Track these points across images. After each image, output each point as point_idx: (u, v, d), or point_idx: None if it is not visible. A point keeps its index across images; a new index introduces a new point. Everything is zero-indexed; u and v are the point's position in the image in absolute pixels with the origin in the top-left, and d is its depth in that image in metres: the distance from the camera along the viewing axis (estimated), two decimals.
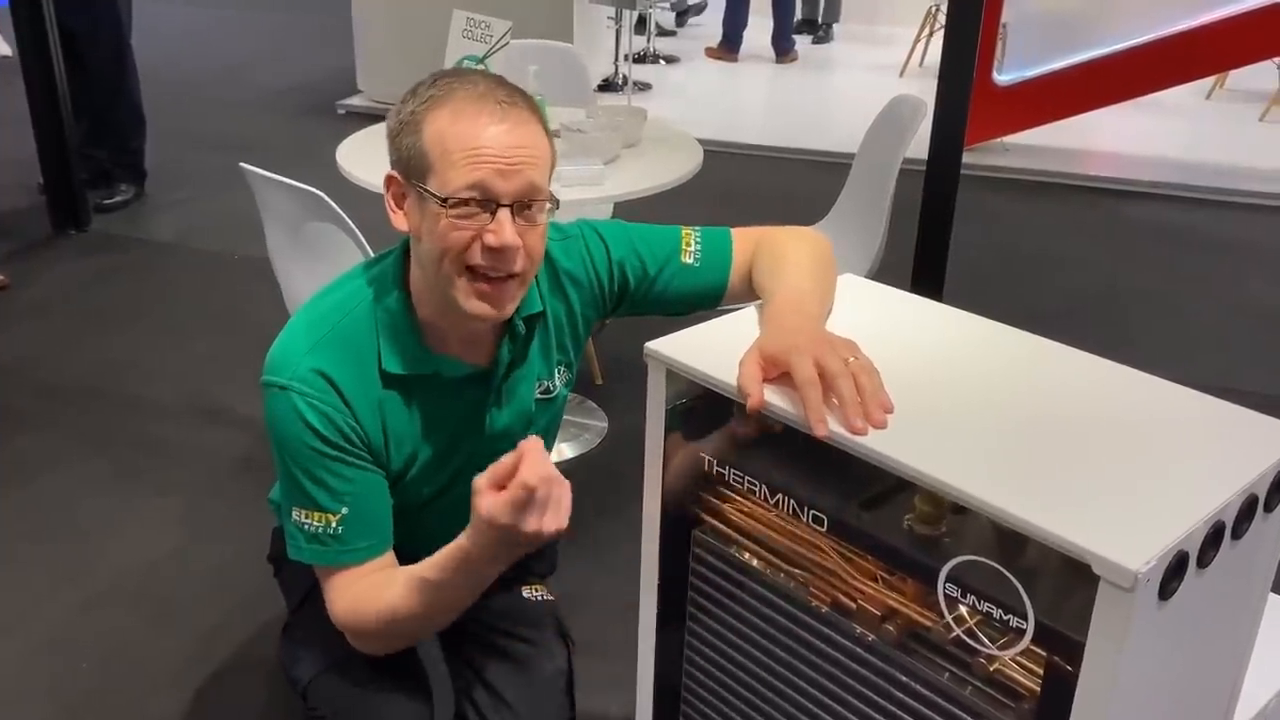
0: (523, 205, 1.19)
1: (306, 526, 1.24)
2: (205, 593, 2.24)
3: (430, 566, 1.19)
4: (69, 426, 2.85)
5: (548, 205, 1.22)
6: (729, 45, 7.32)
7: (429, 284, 1.24)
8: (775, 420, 1.06)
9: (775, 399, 1.06)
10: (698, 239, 1.39)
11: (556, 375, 1.41)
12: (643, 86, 6.41)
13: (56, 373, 3.12)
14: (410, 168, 1.20)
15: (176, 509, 2.52)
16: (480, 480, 1.08)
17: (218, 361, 3.18)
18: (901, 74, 6.93)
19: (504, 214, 1.17)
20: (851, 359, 1.05)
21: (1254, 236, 4.45)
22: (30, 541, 2.40)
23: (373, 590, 1.25)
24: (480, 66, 2.55)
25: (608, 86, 6.23)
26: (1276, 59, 5.85)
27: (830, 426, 1.00)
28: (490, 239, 1.17)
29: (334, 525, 1.24)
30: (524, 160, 1.18)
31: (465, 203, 1.17)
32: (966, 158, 3.18)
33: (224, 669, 2.04)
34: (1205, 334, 3.55)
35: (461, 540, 1.14)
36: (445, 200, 1.17)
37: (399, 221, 1.25)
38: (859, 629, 1.09)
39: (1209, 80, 6.22)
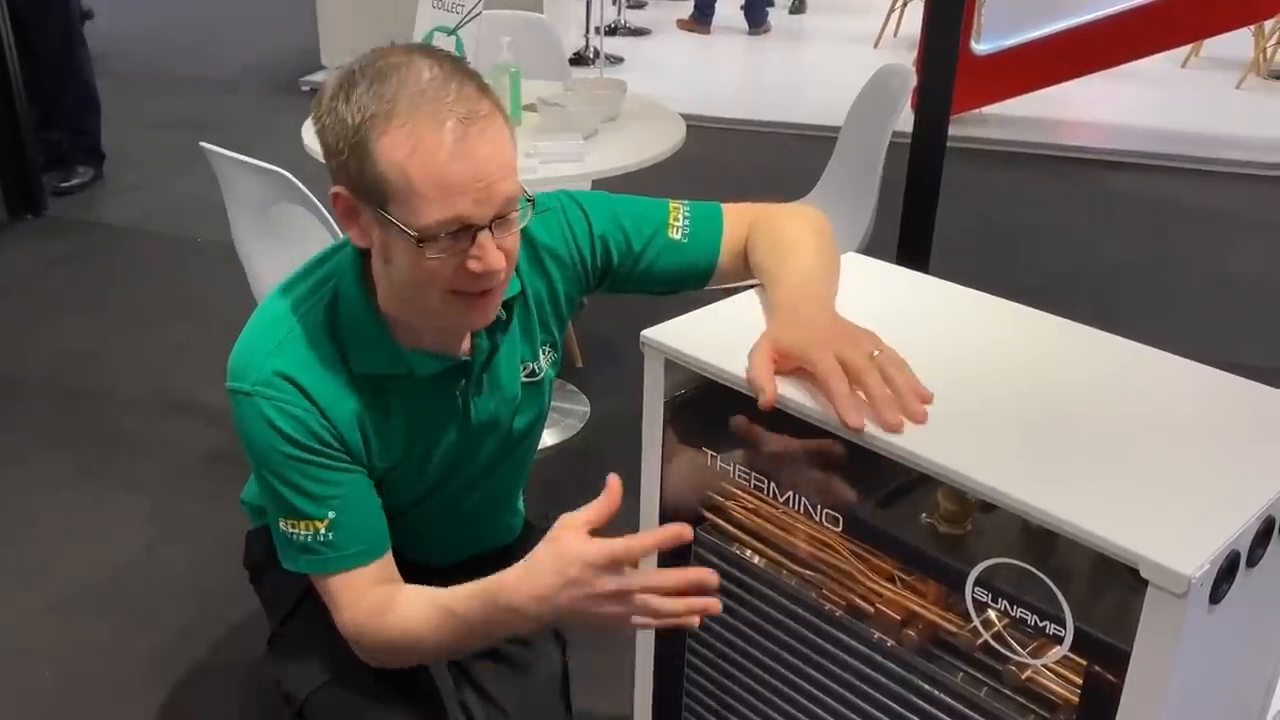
0: (500, 218, 1.09)
1: (295, 537, 1.17)
2: (174, 594, 2.15)
3: (452, 594, 1.12)
4: (28, 421, 2.75)
5: (520, 204, 1.13)
6: (701, 17, 7.22)
7: (399, 297, 1.16)
8: (786, 412, 0.98)
9: (791, 393, 0.98)
10: (686, 213, 1.31)
11: (542, 356, 1.33)
12: (614, 60, 6.30)
13: (14, 364, 3.01)
14: (365, 191, 1.07)
15: (142, 506, 2.42)
16: (568, 516, 1.01)
17: (183, 351, 3.07)
18: (876, 45, 6.85)
19: (485, 238, 1.08)
20: (876, 352, 0.98)
21: (1234, 205, 4.43)
22: None
23: (393, 606, 1.17)
24: (451, 39, 2.45)
25: (579, 60, 6.12)
26: (1251, 26, 5.82)
27: (863, 423, 0.93)
28: (475, 265, 1.08)
29: (323, 532, 1.16)
30: (495, 177, 1.07)
31: (442, 235, 1.06)
32: None
33: (195, 673, 1.97)
34: (1190, 305, 3.52)
35: (502, 575, 1.06)
36: (421, 239, 1.06)
37: (356, 238, 1.14)
38: (877, 634, 1.02)
39: (1185, 48, 6.19)
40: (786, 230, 1.25)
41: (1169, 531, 0.81)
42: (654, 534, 1.02)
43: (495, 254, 1.08)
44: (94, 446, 2.64)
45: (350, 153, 1.06)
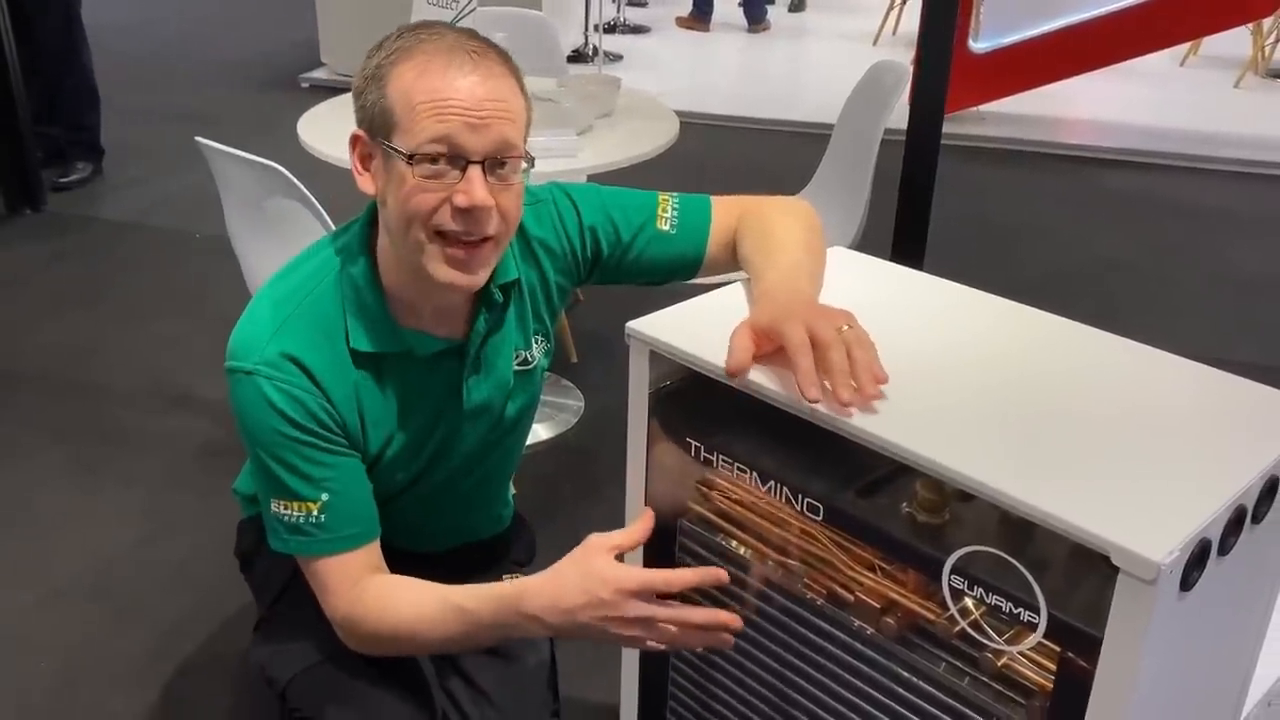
0: (495, 163, 1.12)
1: (286, 517, 1.18)
2: (168, 586, 2.16)
3: (465, 593, 1.13)
4: (25, 415, 2.76)
5: (523, 163, 1.15)
6: (700, 14, 7.23)
7: (397, 251, 1.17)
8: (766, 401, 1.00)
9: (763, 379, 1.00)
10: (675, 205, 1.33)
11: (534, 345, 1.35)
12: (614, 57, 6.31)
13: (12, 358, 3.02)
14: (375, 124, 1.13)
15: (138, 500, 2.43)
16: (598, 538, 1.04)
17: (180, 345, 3.08)
18: (875, 42, 6.86)
19: (474, 171, 1.10)
20: (845, 328, 1.00)
21: (1231, 204, 4.44)
22: None
23: (393, 598, 1.18)
24: None
25: (578, 57, 6.12)
26: (1250, 25, 5.82)
27: (820, 395, 0.95)
28: (460, 199, 1.10)
29: (315, 514, 1.17)
30: (495, 113, 1.10)
31: (433, 159, 1.09)
32: (943, 127, 3.12)
33: (188, 665, 1.98)
34: (1187, 303, 3.53)
35: (525, 581, 1.08)
36: (411, 157, 1.09)
37: (365, 184, 1.18)
38: (857, 622, 1.03)
39: (1183, 46, 6.19)
40: (774, 224, 1.26)
41: (1140, 520, 0.82)
42: (691, 573, 1.03)
43: (483, 191, 1.10)
44: (90, 440, 2.65)
45: (369, 86, 1.13)
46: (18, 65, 3.85)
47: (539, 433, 2.67)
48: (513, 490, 1.58)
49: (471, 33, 1.16)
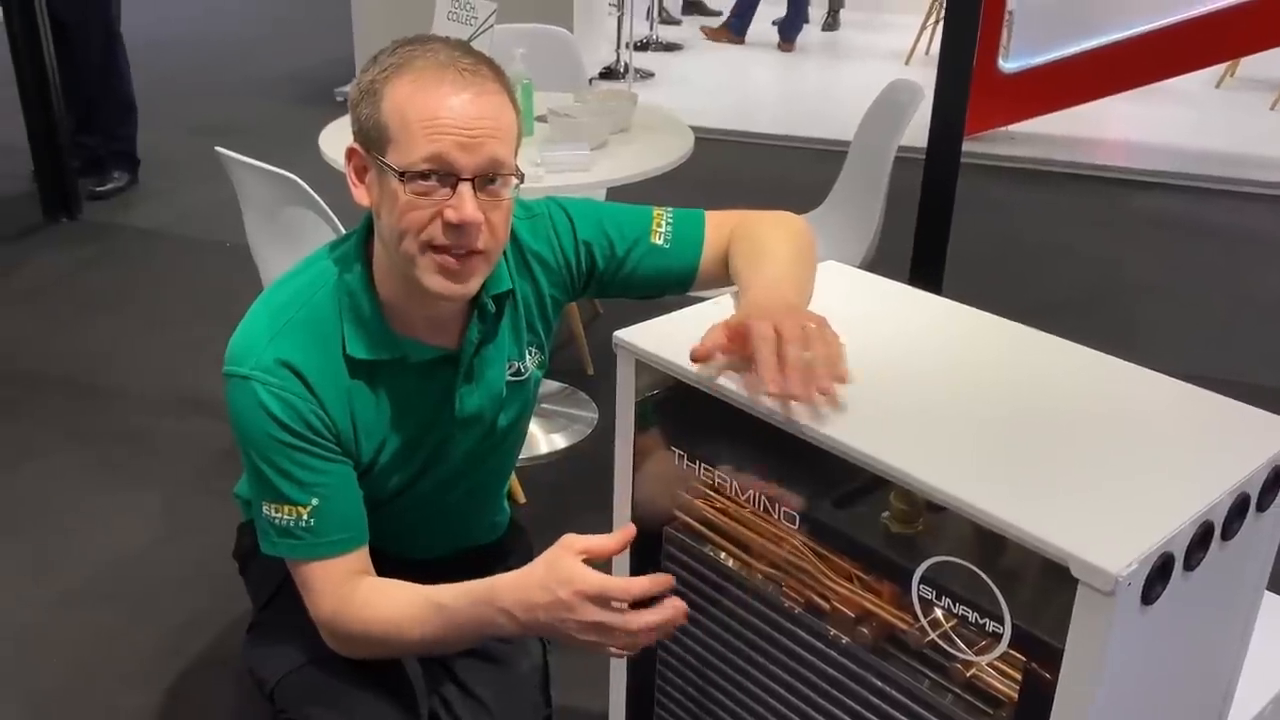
0: (485, 180, 1.14)
1: (277, 520, 1.20)
2: (181, 587, 2.20)
3: (443, 590, 1.16)
4: (49, 416, 2.82)
5: (513, 180, 1.17)
6: (739, 24, 7.21)
7: (391, 261, 1.20)
8: (749, 412, 1.01)
9: (735, 383, 1.02)
10: (669, 220, 1.35)
11: (528, 356, 1.37)
12: (645, 74, 6.35)
13: (41, 361, 3.09)
14: (370, 139, 1.16)
15: (155, 501, 2.48)
16: (572, 538, 1.05)
17: (206, 350, 3.12)
18: (907, 61, 6.85)
19: (465, 188, 1.13)
20: (812, 325, 1.02)
21: (1263, 227, 4.39)
22: (4, 535, 2.36)
23: (373, 597, 1.20)
24: None
25: (609, 74, 6.17)
26: None
27: (777, 387, 0.97)
28: (450, 215, 1.13)
29: (305, 518, 1.20)
30: (486, 132, 1.13)
31: (424, 176, 1.12)
32: (971, 146, 3.13)
33: (198, 664, 2.01)
34: (1212, 326, 3.49)
35: (500, 576, 1.10)
36: (403, 174, 1.12)
37: (360, 196, 1.21)
38: (832, 631, 1.04)
39: (1219, 68, 6.14)
40: (764, 237, 1.27)
41: (1102, 532, 0.83)
42: (650, 580, 1.05)
43: (473, 207, 1.13)
44: (112, 442, 2.71)
45: (364, 100, 1.16)
46: (58, 77, 3.96)
47: (555, 442, 2.70)
48: (523, 500, 1.60)
49: (465, 47, 1.18)
